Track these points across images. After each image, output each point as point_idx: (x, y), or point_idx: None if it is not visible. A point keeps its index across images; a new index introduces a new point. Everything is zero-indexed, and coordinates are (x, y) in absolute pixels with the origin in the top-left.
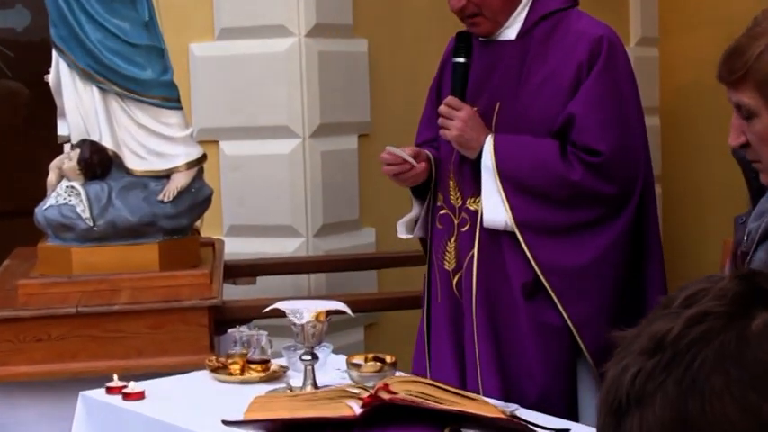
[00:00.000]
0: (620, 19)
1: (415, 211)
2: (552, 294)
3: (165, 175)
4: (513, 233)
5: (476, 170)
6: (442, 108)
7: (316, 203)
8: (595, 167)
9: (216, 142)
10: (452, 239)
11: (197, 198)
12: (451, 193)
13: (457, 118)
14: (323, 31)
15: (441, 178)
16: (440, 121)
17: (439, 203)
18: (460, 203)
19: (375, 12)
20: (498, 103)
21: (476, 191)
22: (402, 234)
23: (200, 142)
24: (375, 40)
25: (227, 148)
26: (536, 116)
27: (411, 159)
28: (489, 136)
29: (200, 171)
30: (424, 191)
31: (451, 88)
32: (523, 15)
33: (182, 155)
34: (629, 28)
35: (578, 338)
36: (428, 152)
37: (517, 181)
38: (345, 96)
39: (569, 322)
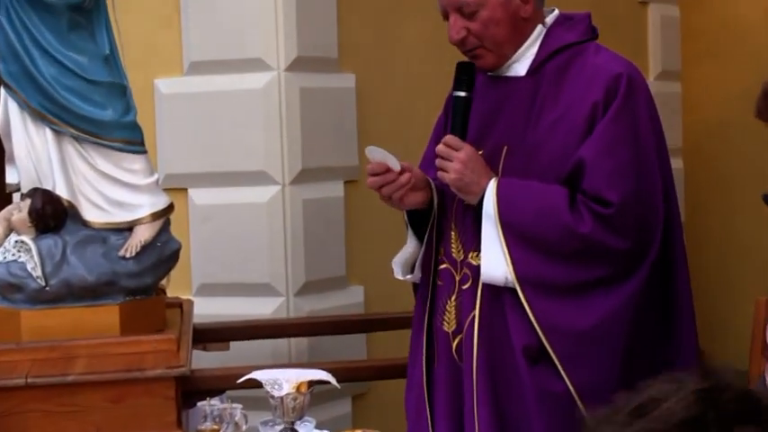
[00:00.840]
0: (639, 51)
1: (411, 246)
2: (554, 358)
3: (127, 228)
4: (516, 291)
5: (479, 220)
6: (440, 148)
7: (297, 258)
8: (606, 219)
9: (184, 190)
10: (453, 298)
11: (163, 253)
12: (453, 245)
13: (456, 159)
14: (305, 65)
15: (442, 228)
16: (437, 162)
17: (439, 257)
18: (462, 257)
19: (363, 43)
20: (506, 147)
21: (479, 244)
22: (399, 274)
23: (167, 190)
24: (363, 75)
25: (198, 196)
26: (546, 161)
27: (395, 163)
28: (492, 180)
29: (167, 223)
30: (425, 220)
31: (451, 125)
32: (534, 49)
33: (146, 205)
34: (648, 60)
35: (581, 408)
36: (431, 180)
37: (520, 231)
38: (330, 138)
39: (572, 390)
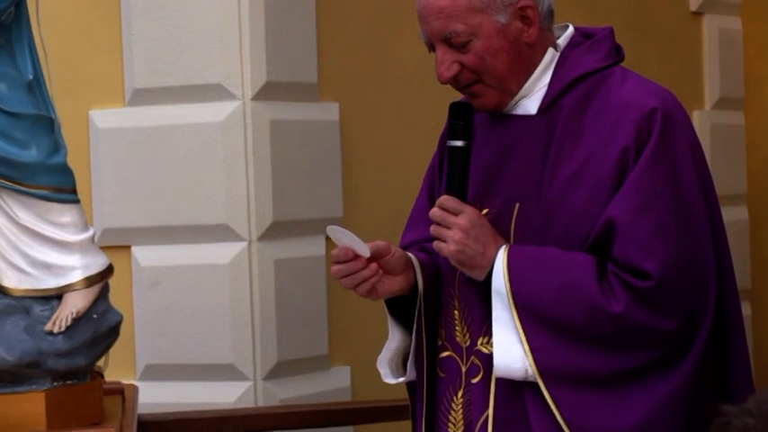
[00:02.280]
0: (691, 73)
1: (396, 339)
2: None
3: (56, 296)
4: (538, 386)
5: (488, 298)
6: (435, 212)
7: (267, 333)
8: (644, 295)
9: (127, 248)
10: (459, 394)
11: (100, 328)
12: (457, 328)
13: (455, 226)
14: (277, 93)
15: (442, 305)
16: (433, 229)
17: (440, 342)
18: (469, 343)
19: (349, 66)
20: (517, 204)
21: (489, 327)
22: (388, 378)
23: (105, 248)
24: (349, 104)
25: (143, 256)
26: (568, 221)
27: (363, 248)
28: (502, 249)
29: (105, 289)
30: (410, 306)
31: (447, 183)
32: (546, 80)
33: (78, 267)
34: (703, 85)
35: None
36: (413, 255)
37: (539, 312)
38: (308, 182)
39: None
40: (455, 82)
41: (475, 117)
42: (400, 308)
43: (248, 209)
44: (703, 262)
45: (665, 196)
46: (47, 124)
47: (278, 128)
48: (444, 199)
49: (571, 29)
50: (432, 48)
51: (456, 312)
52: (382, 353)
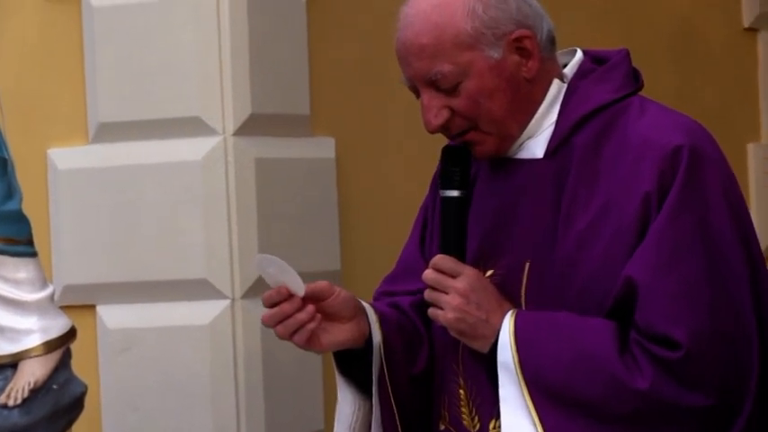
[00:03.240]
0: (744, 98)
1: (347, 404)
2: None
3: (10, 364)
4: None
5: (494, 371)
6: (429, 274)
7: (254, 406)
8: (672, 368)
9: (91, 308)
10: None
11: (61, 400)
12: (463, 410)
13: (453, 290)
14: (262, 127)
15: (444, 382)
16: (427, 294)
17: (443, 426)
18: (479, 427)
19: (345, 96)
20: (527, 264)
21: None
22: None
23: (67, 308)
24: (346, 140)
25: (111, 316)
26: (585, 280)
27: (297, 284)
28: (508, 315)
29: (67, 356)
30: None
31: (441, 240)
32: (553, 117)
33: (36, 330)
34: (760, 112)
35: None
36: (366, 303)
37: (553, 389)
38: (300, 230)
39: None
40: (445, 130)
41: (472, 161)
42: (354, 364)
43: (231, 261)
44: (742, 325)
45: (692, 249)
46: None
47: (264, 167)
48: (439, 259)
49: (579, 54)
50: (416, 92)
51: (461, 391)
52: (335, 425)
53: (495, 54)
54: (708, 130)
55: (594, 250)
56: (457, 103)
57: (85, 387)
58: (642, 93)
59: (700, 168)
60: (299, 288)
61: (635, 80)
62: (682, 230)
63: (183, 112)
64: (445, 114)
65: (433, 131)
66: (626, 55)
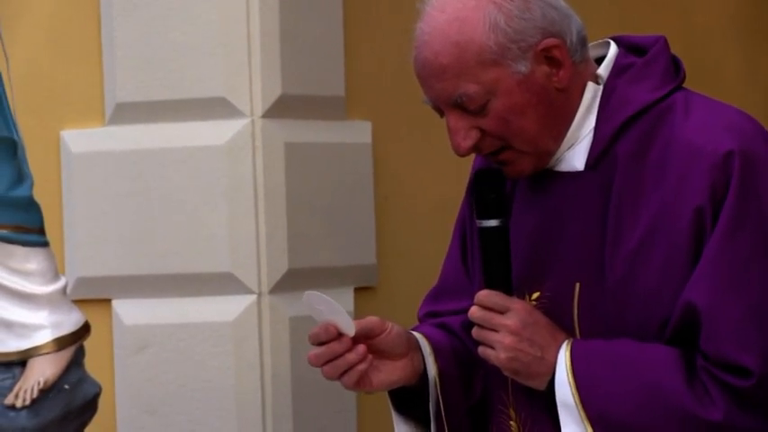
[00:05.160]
0: None
1: None
2: None
3: (18, 362)
4: None
5: (553, 407)
6: (476, 312)
7: (281, 410)
8: (746, 396)
9: (107, 302)
10: None
11: (73, 401)
12: None
13: (504, 328)
14: (293, 109)
15: (493, 414)
16: (475, 332)
17: None
18: None
19: (383, 77)
20: (577, 286)
21: None
22: None
23: (80, 302)
24: (384, 123)
25: (127, 312)
26: (641, 301)
27: (347, 324)
28: (563, 348)
29: (79, 354)
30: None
31: (484, 273)
32: (591, 124)
33: (47, 325)
34: None
35: None
36: (420, 335)
37: (620, 427)
38: (333, 220)
39: None
40: (477, 150)
41: (508, 181)
42: (409, 399)
43: (258, 254)
44: None
45: (756, 267)
46: (8, 148)
47: (295, 152)
48: (485, 295)
49: (614, 49)
50: (440, 112)
51: (512, 424)
52: None
53: (523, 68)
54: (760, 126)
55: (648, 271)
56: (486, 123)
57: (99, 388)
58: (704, 76)
59: (754, 175)
60: (350, 327)
61: (676, 72)
62: (741, 248)
63: (208, 93)
64: (474, 136)
65: (463, 155)
66: (664, 44)
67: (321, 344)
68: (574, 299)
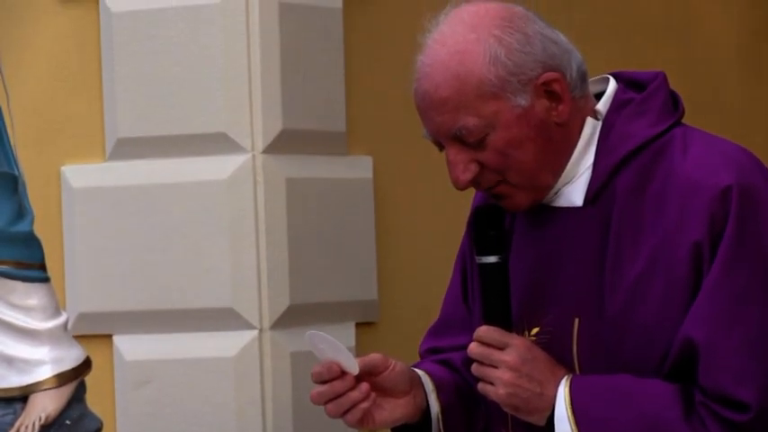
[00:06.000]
0: None
1: None
2: None
3: (20, 398)
4: None
5: None
6: (475, 348)
7: None
8: (743, 430)
9: (108, 337)
10: None
11: None
12: None
13: (503, 364)
14: (294, 144)
15: None
16: (475, 369)
17: None
18: None
19: (384, 112)
20: (576, 321)
21: None
22: None
23: (81, 338)
24: (385, 158)
25: (128, 347)
26: (640, 336)
27: (350, 363)
28: (563, 384)
29: (81, 389)
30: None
31: (483, 309)
32: (589, 159)
33: (47, 361)
34: None
35: None
36: (423, 372)
37: None
38: (334, 257)
39: None
40: (476, 185)
41: (507, 217)
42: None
43: (259, 289)
44: None
45: (754, 302)
46: (8, 183)
47: (296, 187)
48: (484, 331)
49: (613, 85)
50: (440, 146)
51: None
52: None
53: (523, 101)
54: (759, 161)
55: (647, 304)
56: (485, 156)
57: (101, 423)
58: (705, 109)
59: (752, 210)
60: (353, 366)
61: (674, 107)
62: (739, 282)
63: (209, 128)
64: (473, 169)
65: (462, 188)
66: (663, 79)
67: (324, 382)
68: (573, 334)
